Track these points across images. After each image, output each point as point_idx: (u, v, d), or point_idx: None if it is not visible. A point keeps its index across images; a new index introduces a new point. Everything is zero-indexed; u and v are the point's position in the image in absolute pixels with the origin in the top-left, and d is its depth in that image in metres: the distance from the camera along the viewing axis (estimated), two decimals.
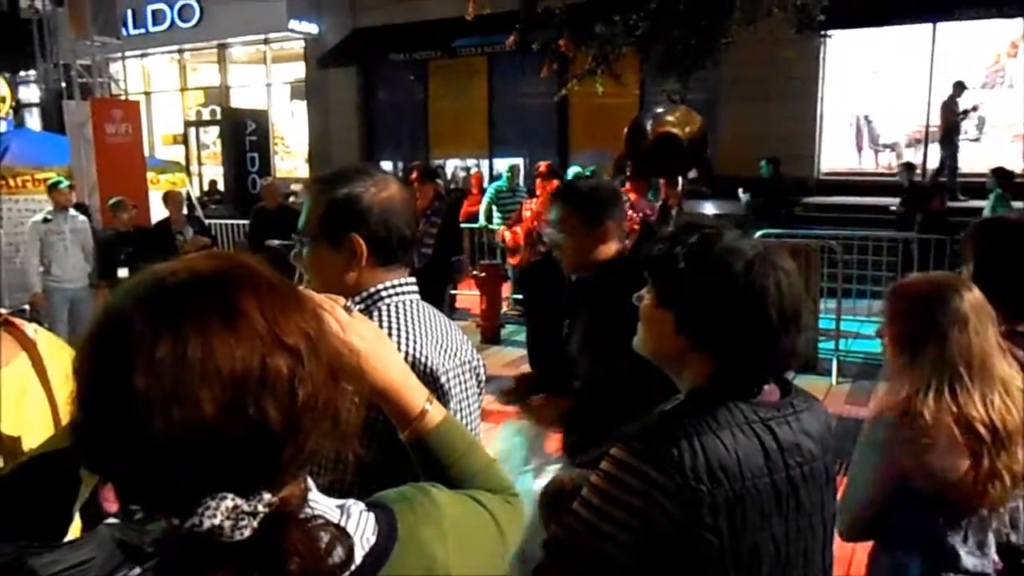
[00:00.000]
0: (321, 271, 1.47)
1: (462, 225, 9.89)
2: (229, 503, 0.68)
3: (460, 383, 1.51)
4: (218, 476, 0.68)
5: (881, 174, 13.24)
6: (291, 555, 0.70)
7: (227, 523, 0.67)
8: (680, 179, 5.72)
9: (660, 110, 6.04)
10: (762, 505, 1.23)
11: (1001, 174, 8.75)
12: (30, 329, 1.21)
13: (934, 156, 12.86)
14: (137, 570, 0.71)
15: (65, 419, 1.14)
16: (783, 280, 1.27)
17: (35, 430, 1.13)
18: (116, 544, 0.73)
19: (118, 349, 0.68)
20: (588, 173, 11.15)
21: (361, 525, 0.83)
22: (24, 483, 0.92)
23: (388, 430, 1.13)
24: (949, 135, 11.33)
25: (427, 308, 1.54)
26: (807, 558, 1.32)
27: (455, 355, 1.52)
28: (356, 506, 0.85)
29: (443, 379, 1.44)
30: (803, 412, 1.34)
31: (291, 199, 7.51)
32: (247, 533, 0.68)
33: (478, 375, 1.60)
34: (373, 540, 0.83)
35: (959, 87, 11.29)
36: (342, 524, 0.80)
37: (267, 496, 0.71)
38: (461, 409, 1.51)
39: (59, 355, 1.23)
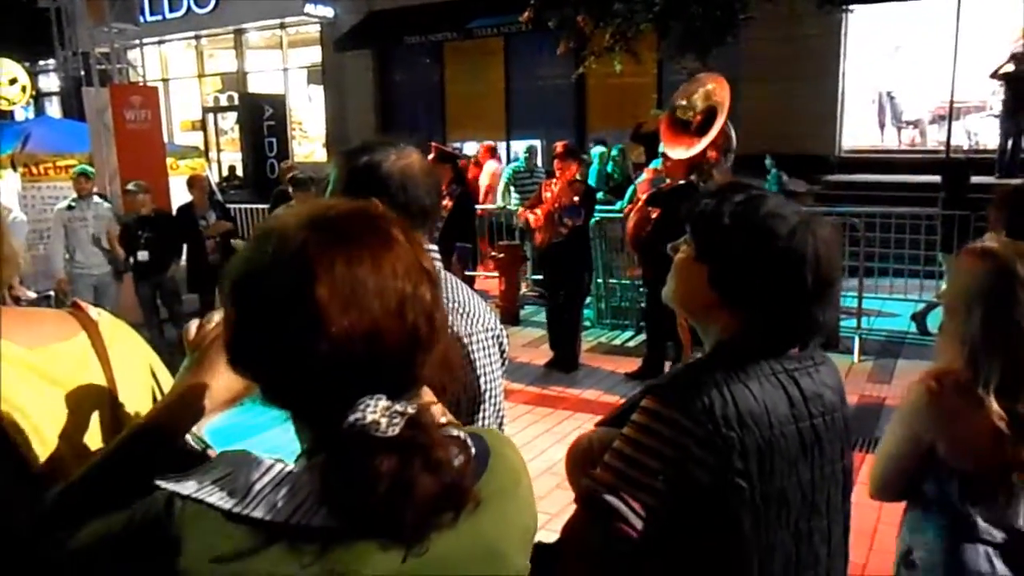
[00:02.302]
0: None
1: (482, 206, 9.91)
2: (384, 402, 0.79)
3: (483, 349, 1.53)
4: (374, 379, 0.80)
5: (904, 151, 13.06)
6: (437, 447, 0.81)
7: (383, 419, 0.78)
8: (731, 157, 5.63)
9: (687, 100, 5.91)
10: (789, 452, 1.28)
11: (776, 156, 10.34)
12: (93, 312, 1.23)
13: (958, 133, 12.67)
14: (285, 465, 0.82)
15: (126, 398, 1.17)
16: (822, 249, 1.28)
17: (89, 408, 1.15)
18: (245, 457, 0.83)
19: (300, 266, 0.78)
20: (615, 152, 11.12)
21: (462, 438, 0.92)
22: (132, 450, 0.98)
23: None
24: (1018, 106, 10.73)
25: (449, 276, 1.55)
26: (830, 504, 1.36)
27: (477, 322, 1.53)
28: (451, 425, 0.93)
29: (466, 341, 1.46)
30: (821, 365, 1.38)
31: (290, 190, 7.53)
32: (398, 430, 0.78)
33: (501, 344, 1.61)
34: (474, 451, 0.90)
35: (1020, 58, 10.79)
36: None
37: (409, 400, 0.82)
38: (484, 374, 1.52)
39: (122, 336, 1.23)
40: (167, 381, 1.27)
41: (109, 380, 1.17)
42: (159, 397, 1.23)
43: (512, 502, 0.95)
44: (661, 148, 6.26)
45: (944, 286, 2.04)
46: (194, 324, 1.08)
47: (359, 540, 0.79)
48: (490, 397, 1.53)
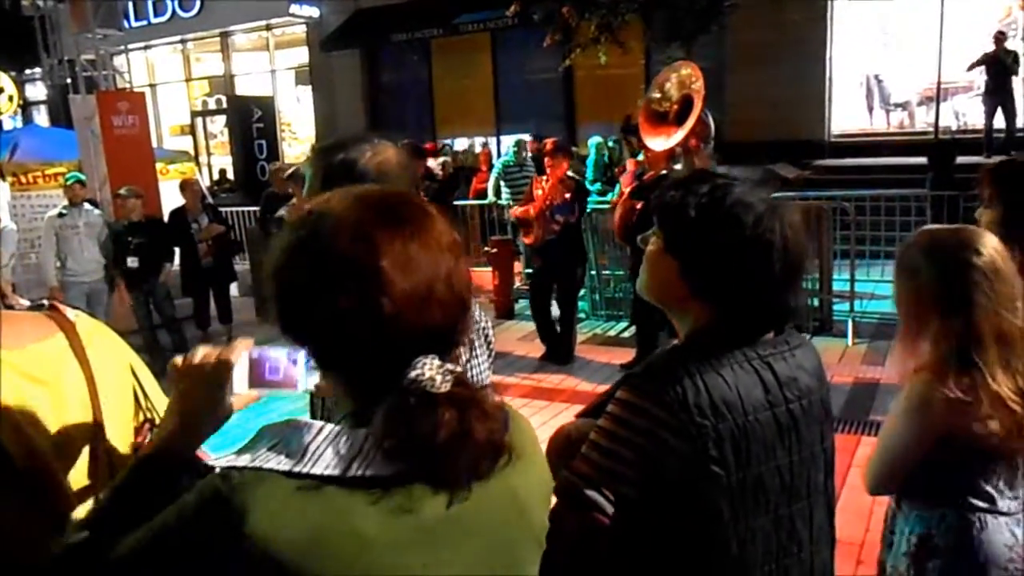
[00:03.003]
0: None
1: (473, 201, 9.93)
2: (437, 362, 0.87)
3: (467, 343, 1.52)
4: (427, 341, 0.88)
5: (893, 134, 13.10)
6: (486, 400, 0.91)
7: (437, 376, 0.86)
8: (711, 145, 5.65)
9: (661, 91, 5.91)
10: (765, 437, 1.27)
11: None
12: (71, 313, 1.24)
13: (947, 114, 12.70)
14: (332, 426, 0.88)
15: (106, 395, 1.18)
16: (789, 235, 1.28)
17: (72, 407, 1.16)
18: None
19: (363, 240, 0.87)
20: (612, 143, 11.13)
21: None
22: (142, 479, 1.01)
23: None
24: (1003, 85, 10.83)
25: None
26: (811, 487, 1.35)
27: None
28: None
29: None
30: (797, 348, 1.37)
31: (290, 188, 7.49)
32: (448, 386, 0.86)
33: (487, 336, 1.62)
34: None
35: (1002, 37, 10.88)
36: None
37: (454, 354, 0.91)
38: (470, 369, 1.52)
39: (100, 336, 1.25)
40: (148, 380, 1.29)
41: (88, 378, 1.18)
42: (140, 395, 1.26)
43: (533, 460, 1.02)
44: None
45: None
46: (179, 359, 1.08)
47: (414, 484, 0.86)
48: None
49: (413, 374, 0.85)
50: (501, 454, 0.94)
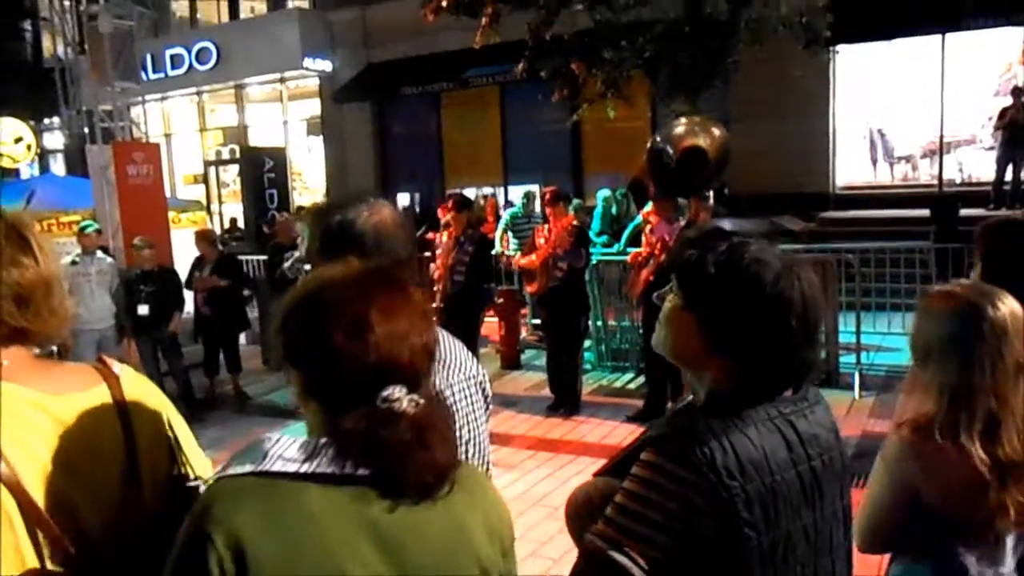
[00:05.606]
0: None
1: None
2: (405, 391, 1.05)
3: (466, 396, 1.55)
4: (398, 374, 1.05)
5: (897, 186, 13.19)
6: (446, 420, 1.11)
7: (404, 400, 1.04)
8: (711, 195, 5.72)
9: (676, 127, 6.05)
10: (790, 497, 1.27)
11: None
12: (116, 367, 1.32)
13: (950, 167, 12.81)
14: (293, 436, 1.05)
15: (143, 446, 1.26)
16: (807, 292, 1.29)
17: (107, 455, 1.22)
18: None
19: (360, 294, 1.07)
20: (620, 195, 11.23)
21: None
22: None
23: None
24: (1018, 139, 10.78)
25: None
26: (833, 543, 1.35)
27: (459, 370, 1.56)
28: None
29: (447, 392, 1.49)
30: (816, 405, 1.37)
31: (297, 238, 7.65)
32: (415, 410, 1.04)
33: (484, 389, 1.64)
34: None
35: (1019, 92, 10.92)
36: None
37: (420, 392, 1.08)
38: (468, 423, 1.55)
39: (141, 390, 1.32)
40: (184, 434, 1.36)
41: (126, 428, 1.25)
42: (175, 446, 1.33)
43: (481, 497, 1.17)
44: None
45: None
46: None
47: (363, 487, 1.02)
48: (475, 444, 1.56)
49: (385, 394, 1.03)
50: (446, 479, 1.08)
